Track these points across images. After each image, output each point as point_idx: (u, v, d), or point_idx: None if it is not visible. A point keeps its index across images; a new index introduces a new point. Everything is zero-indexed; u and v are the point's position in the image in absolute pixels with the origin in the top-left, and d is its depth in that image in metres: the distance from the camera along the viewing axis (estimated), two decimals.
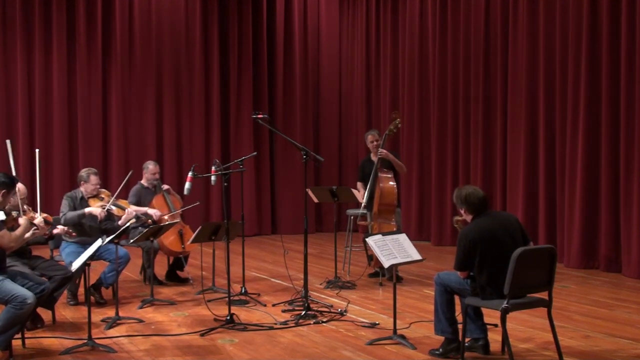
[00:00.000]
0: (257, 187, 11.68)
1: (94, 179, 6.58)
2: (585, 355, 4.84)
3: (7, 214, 4.84)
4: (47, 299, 5.31)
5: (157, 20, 10.98)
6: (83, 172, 6.65)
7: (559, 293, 6.56)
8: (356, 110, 12.15)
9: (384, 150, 7.34)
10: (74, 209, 6.43)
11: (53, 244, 6.53)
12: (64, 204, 6.46)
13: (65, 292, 6.22)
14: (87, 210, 6.40)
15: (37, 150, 6.00)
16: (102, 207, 6.46)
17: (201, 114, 11.27)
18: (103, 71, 10.56)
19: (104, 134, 10.62)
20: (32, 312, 5.00)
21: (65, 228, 6.01)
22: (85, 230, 6.42)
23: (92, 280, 6.32)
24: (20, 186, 5.61)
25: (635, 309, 6.19)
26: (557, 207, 8.47)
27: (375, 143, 7.56)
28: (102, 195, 6.63)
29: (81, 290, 6.53)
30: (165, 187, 7.63)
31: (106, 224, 6.54)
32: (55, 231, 5.93)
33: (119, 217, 6.57)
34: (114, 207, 6.54)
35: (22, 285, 4.82)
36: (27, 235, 4.91)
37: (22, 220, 4.92)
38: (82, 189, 6.60)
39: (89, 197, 6.56)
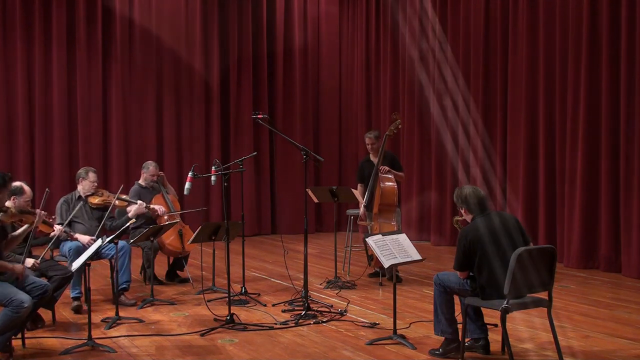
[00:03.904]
0: (257, 187, 11.67)
1: (92, 176, 6.60)
2: (585, 355, 4.84)
3: (4, 210, 4.80)
4: (48, 299, 5.30)
5: (157, 20, 10.97)
6: (82, 170, 6.71)
7: (559, 293, 6.56)
8: (356, 111, 12.15)
9: (386, 167, 7.35)
10: (69, 211, 6.44)
11: (53, 244, 6.51)
12: (62, 210, 6.47)
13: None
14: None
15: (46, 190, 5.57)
16: (107, 200, 6.51)
17: (201, 113, 11.26)
18: (103, 71, 10.55)
19: (104, 133, 10.61)
20: (31, 314, 4.99)
21: (63, 229, 6.00)
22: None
23: (92, 280, 6.30)
24: (25, 188, 5.60)
25: (635, 309, 6.19)
26: (557, 207, 8.47)
27: (371, 146, 7.59)
28: (101, 191, 6.64)
29: (80, 290, 6.51)
30: (161, 173, 7.61)
31: (111, 221, 6.56)
32: (52, 233, 5.91)
33: (122, 212, 6.58)
34: (117, 202, 6.57)
35: (23, 287, 4.80)
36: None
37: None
38: (79, 187, 6.61)
39: (87, 195, 6.57)
